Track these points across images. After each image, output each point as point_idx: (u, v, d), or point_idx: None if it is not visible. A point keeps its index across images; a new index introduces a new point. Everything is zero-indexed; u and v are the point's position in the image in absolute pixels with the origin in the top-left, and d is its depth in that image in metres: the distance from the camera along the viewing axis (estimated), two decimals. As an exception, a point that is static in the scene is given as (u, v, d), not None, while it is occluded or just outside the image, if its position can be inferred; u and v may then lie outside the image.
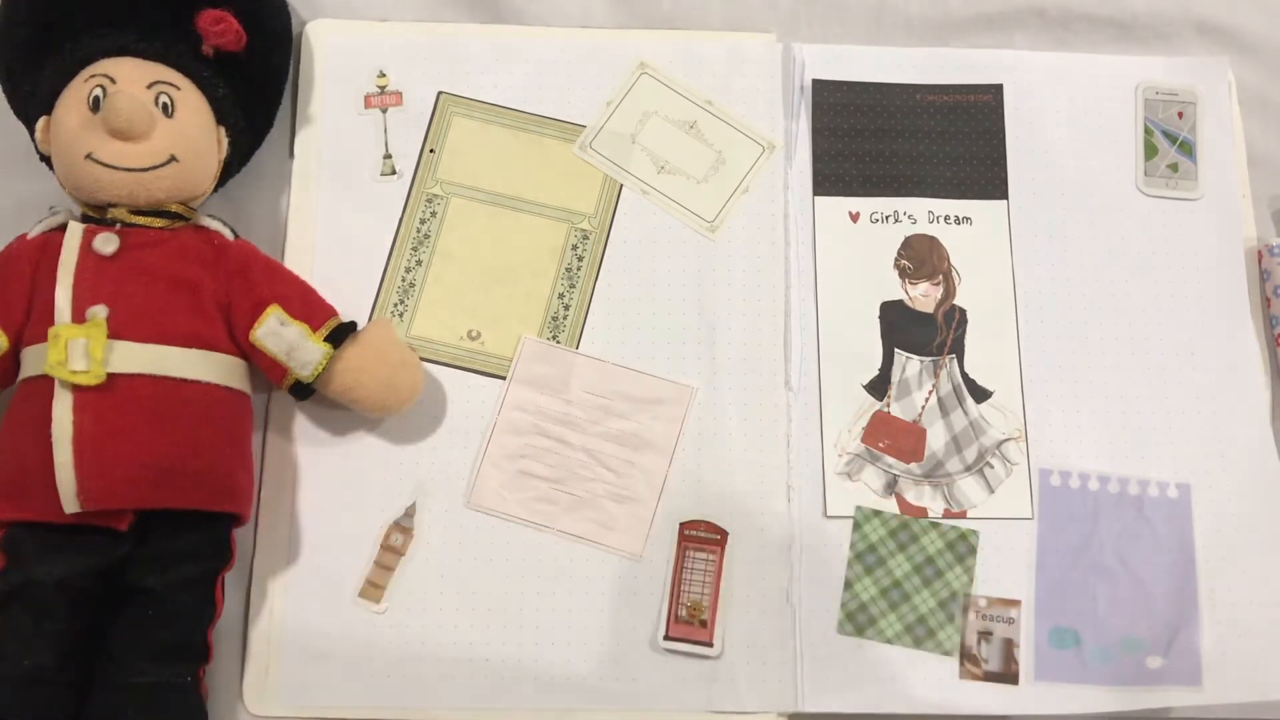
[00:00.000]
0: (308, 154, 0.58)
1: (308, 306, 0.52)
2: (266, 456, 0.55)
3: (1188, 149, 0.61)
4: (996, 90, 0.61)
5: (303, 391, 0.52)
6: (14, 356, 0.49)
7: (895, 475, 0.56)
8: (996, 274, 0.59)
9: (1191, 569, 0.55)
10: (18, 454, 0.47)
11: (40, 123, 0.51)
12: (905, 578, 0.55)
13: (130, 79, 0.50)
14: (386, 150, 0.59)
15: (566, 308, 0.57)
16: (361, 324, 0.54)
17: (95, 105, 0.49)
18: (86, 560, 0.47)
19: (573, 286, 0.57)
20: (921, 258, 0.59)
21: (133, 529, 0.48)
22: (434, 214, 0.58)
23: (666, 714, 0.53)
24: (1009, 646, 0.54)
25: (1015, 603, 0.55)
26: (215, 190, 0.54)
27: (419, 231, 0.58)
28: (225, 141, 0.53)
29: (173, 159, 0.50)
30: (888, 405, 0.57)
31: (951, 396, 0.57)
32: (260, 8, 0.55)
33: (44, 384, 0.47)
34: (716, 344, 0.57)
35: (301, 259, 0.57)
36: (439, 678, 0.53)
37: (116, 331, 0.47)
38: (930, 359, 0.58)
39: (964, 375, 0.57)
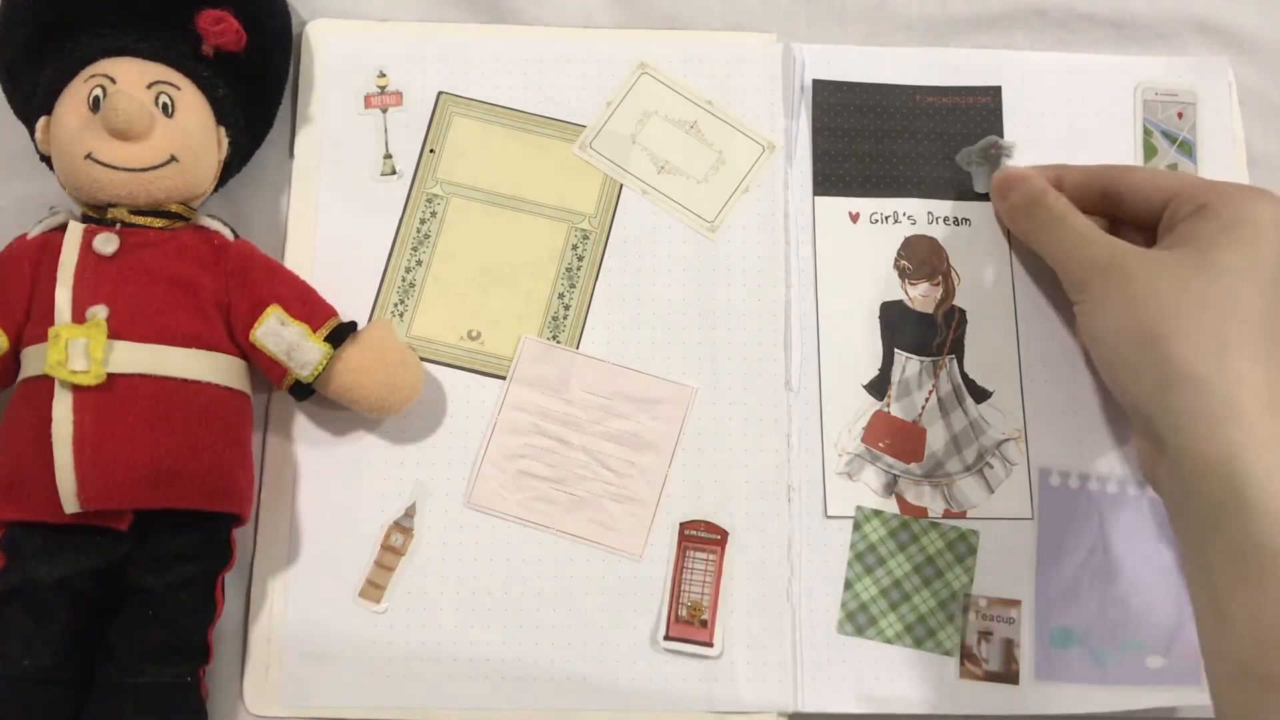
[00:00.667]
0: (308, 154, 0.58)
1: (308, 306, 0.52)
2: (266, 456, 0.55)
3: (1187, 149, 0.61)
4: (995, 93, 0.61)
5: (302, 391, 0.52)
6: (14, 356, 0.49)
7: (895, 475, 0.56)
8: (996, 274, 0.59)
9: (1191, 569, 0.55)
10: (17, 454, 0.47)
11: (40, 123, 0.51)
12: (905, 578, 0.55)
13: (130, 79, 0.50)
14: (386, 150, 0.59)
15: (566, 308, 0.57)
16: (361, 324, 0.54)
17: (95, 105, 0.49)
18: (86, 560, 0.47)
19: (573, 286, 0.58)
20: (921, 258, 0.59)
21: (133, 529, 0.48)
22: (434, 214, 0.58)
23: (666, 714, 0.53)
24: (1009, 646, 0.54)
25: (1015, 603, 0.55)
26: (215, 190, 0.54)
27: (419, 231, 0.58)
28: (225, 141, 0.53)
29: (173, 159, 0.50)
30: (888, 405, 0.57)
31: (951, 397, 0.57)
32: (260, 8, 0.54)
33: (44, 384, 0.47)
34: (716, 344, 0.57)
35: (301, 259, 0.57)
36: (439, 678, 0.53)
37: (116, 331, 0.47)
38: (930, 359, 0.58)
39: (964, 375, 0.57)
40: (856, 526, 0.55)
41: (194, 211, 0.52)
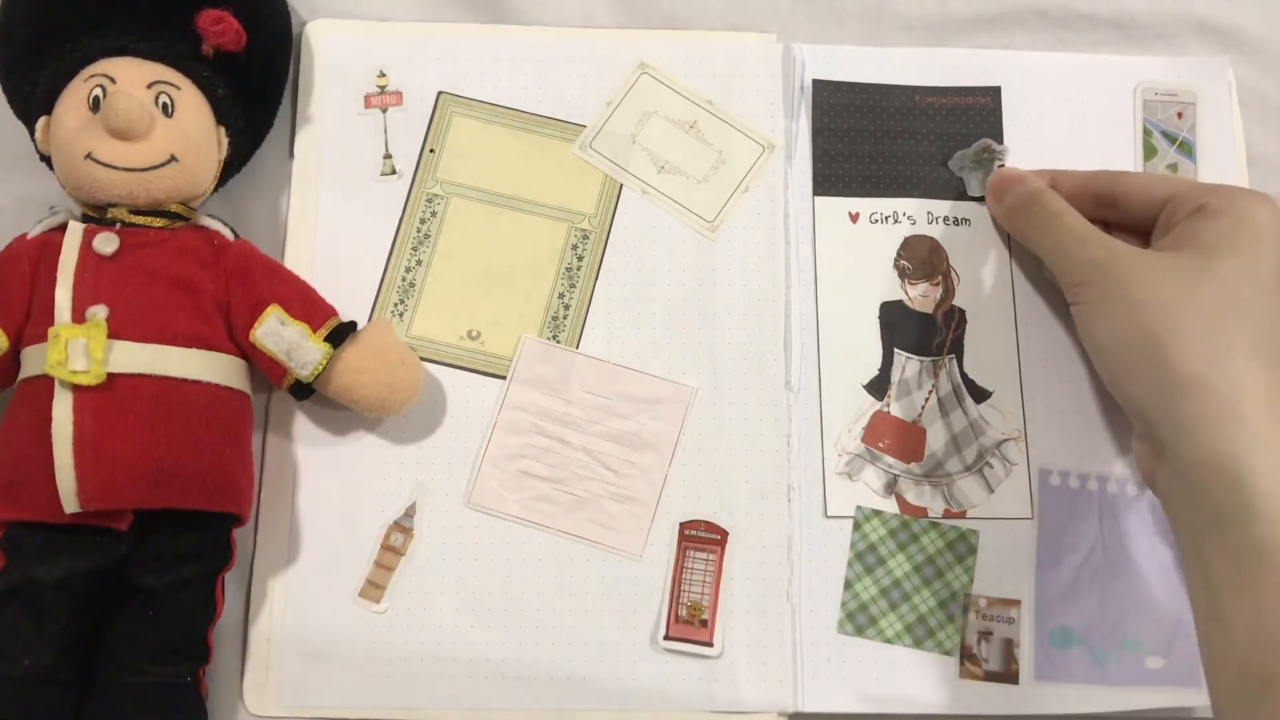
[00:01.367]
0: (308, 154, 0.58)
1: (308, 306, 0.52)
2: (266, 456, 0.55)
3: (1187, 149, 0.61)
4: (995, 93, 0.61)
5: (302, 391, 0.52)
6: (14, 356, 0.49)
7: (895, 475, 0.56)
8: (996, 274, 0.59)
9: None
10: (17, 454, 0.47)
11: (40, 123, 0.51)
12: (905, 578, 0.55)
13: (130, 79, 0.50)
14: (386, 150, 0.59)
15: (566, 308, 0.57)
16: (361, 324, 0.54)
17: (95, 105, 0.49)
18: (86, 560, 0.47)
19: (573, 286, 0.58)
20: (921, 258, 0.59)
21: (132, 529, 0.48)
22: (434, 214, 0.58)
23: (666, 714, 0.53)
24: (1009, 646, 0.54)
25: (1015, 603, 0.55)
26: (215, 190, 0.54)
27: (419, 231, 0.58)
28: (225, 141, 0.53)
29: (173, 159, 0.50)
30: (888, 405, 0.57)
31: (951, 397, 0.57)
32: (260, 8, 0.54)
33: (44, 384, 0.47)
34: (716, 344, 0.57)
35: (301, 259, 0.57)
36: (439, 678, 0.53)
37: (116, 331, 0.47)
38: (930, 359, 0.58)
39: (963, 375, 0.57)
40: (856, 526, 0.55)
41: (194, 211, 0.52)
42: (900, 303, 0.58)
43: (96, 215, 0.50)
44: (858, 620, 0.54)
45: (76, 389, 0.46)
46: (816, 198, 0.59)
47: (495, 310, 0.57)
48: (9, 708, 0.46)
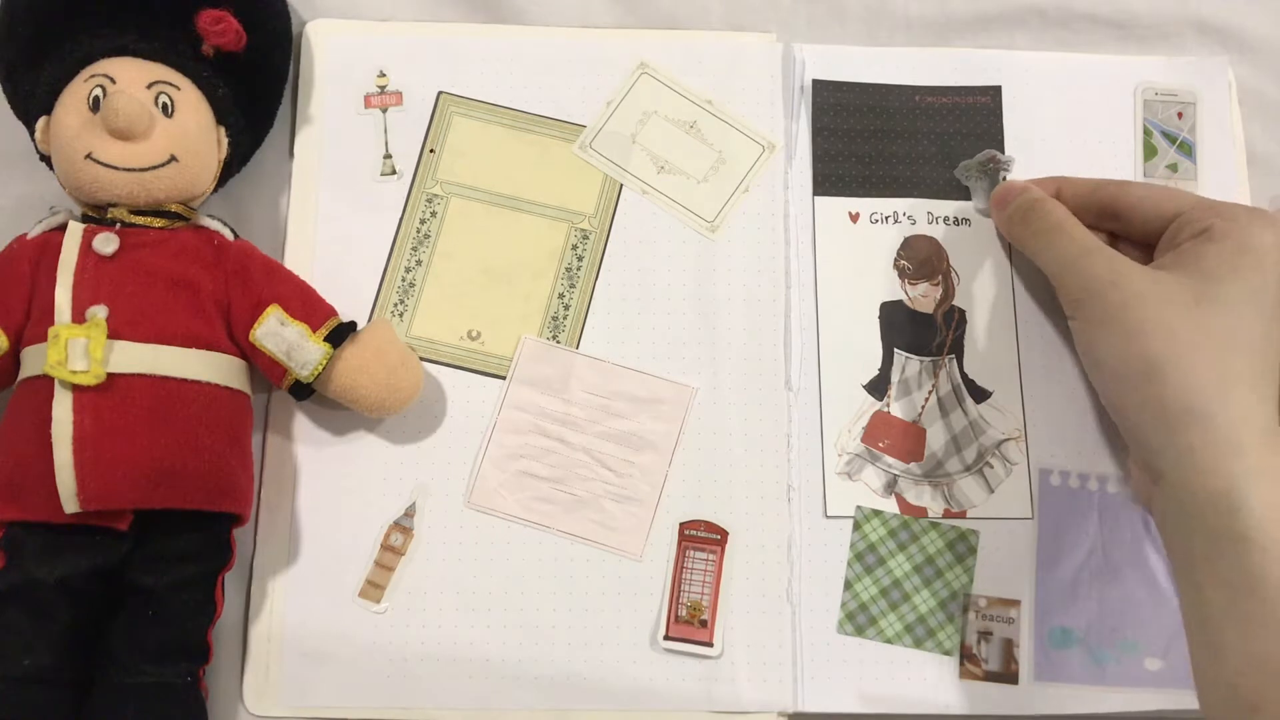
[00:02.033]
0: (308, 154, 0.58)
1: (307, 306, 0.52)
2: (266, 456, 0.55)
3: (1187, 149, 0.61)
4: (995, 92, 0.61)
5: (302, 391, 0.52)
6: (14, 356, 0.49)
7: (895, 475, 0.56)
8: (996, 274, 0.59)
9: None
10: (17, 454, 0.47)
11: (40, 123, 0.51)
12: (905, 577, 0.55)
13: (130, 79, 0.50)
14: (386, 150, 0.59)
15: (566, 308, 0.57)
16: (361, 324, 0.54)
17: (95, 105, 0.49)
18: (86, 560, 0.47)
19: (573, 286, 0.58)
20: (921, 258, 0.59)
21: (132, 529, 0.48)
22: (434, 214, 0.58)
23: (666, 714, 0.53)
24: (1009, 646, 0.54)
25: (1015, 603, 0.55)
26: (215, 190, 0.54)
27: (419, 231, 0.58)
28: (225, 141, 0.53)
29: (173, 159, 0.50)
30: (888, 405, 0.57)
31: (951, 397, 0.57)
32: (260, 8, 0.54)
33: (43, 384, 0.47)
34: (716, 344, 0.57)
35: (301, 259, 0.57)
36: (439, 678, 0.53)
37: (116, 331, 0.47)
38: (930, 359, 0.58)
39: (963, 375, 0.57)
40: (856, 526, 0.55)
41: (194, 211, 0.52)
42: (900, 303, 0.58)
43: (96, 215, 0.50)
44: (858, 620, 0.54)
45: (76, 389, 0.46)
46: (816, 198, 0.59)
47: (495, 310, 0.57)
48: (9, 708, 0.46)
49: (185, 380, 0.48)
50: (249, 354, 0.51)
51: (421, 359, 0.55)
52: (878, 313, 0.58)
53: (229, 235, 0.52)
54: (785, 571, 0.55)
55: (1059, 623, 0.55)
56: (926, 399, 0.57)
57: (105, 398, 0.46)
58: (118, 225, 0.50)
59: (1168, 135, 0.61)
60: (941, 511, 0.56)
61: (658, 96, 0.60)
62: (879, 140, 0.60)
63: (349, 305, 0.54)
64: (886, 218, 0.59)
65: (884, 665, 0.54)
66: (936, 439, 0.57)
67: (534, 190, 0.59)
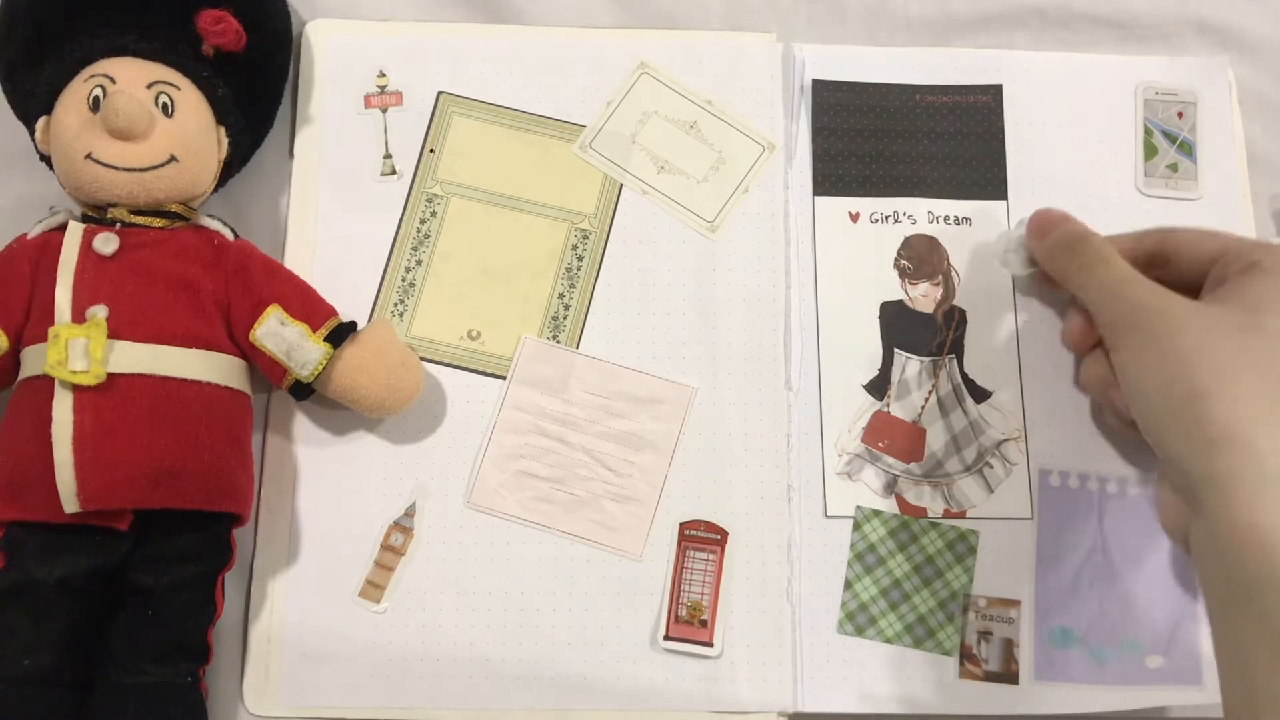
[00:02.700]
0: (308, 154, 0.58)
1: (307, 306, 0.52)
2: (266, 456, 0.55)
3: (1187, 149, 0.61)
4: (996, 91, 0.61)
5: (302, 391, 0.52)
6: (14, 356, 0.49)
7: (895, 475, 0.56)
8: (996, 274, 0.59)
9: (1191, 568, 0.55)
10: (17, 454, 0.47)
11: (40, 123, 0.51)
12: (905, 578, 0.55)
13: (130, 79, 0.50)
14: (386, 150, 0.59)
15: (566, 308, 0.57)
16: (361, 324, 0.54)
17: (95, 105, 0.49)
18: (86, 560, 0.47)
19: (573, 286, 0.58)
20: (921, 258, 0.59)
21: (132, 529, 0.48)
22: (434, 214, 0.58)
23: (666, 714, 0.53)
24: (1009, 646, 0.54)
25: (1015, 603, 0.55)
26: (215, 190, 0.54)
27: (419, 231, 0.58)
28: (225, 141, 0.53)
29: (173, 159, 0.50)
30: (888, 405, 0.57)
31: (951, 396, 0.57)
32: (260, 8, 0.55)
33: (43, 384, 0.47)
34: (716, 344, 0.57)
35: (301, 259, 0.57)
36: (439, 678, 0.53)
37: (116, 331, 0.47)
38: (930, 359, 0.58)
39: (963, 375, 0.57)
40: (856, 526, 0.55)
41: (194, 211, 0.52)
42: (900, 302, 0.58)
43: (96, 215, 0.50)
44: (858, 620, 0.54)
45: (76, 389, 0.46)
46: (816, 198, 0.59)
47: (495, 310, 0.57)
48: (9, 708, 0.46)
49: (185, 380, 0.48)
50: (249, 354, 0.51)
51: (421, 359, 0.55)
52: (878, 312, 0.58)
53: (229, 235, 0.52)
54: (785, 571, 0.55)
55: (1059, 622, 0.54)
56: (926, 399, 0.57)
57: (105, 398, 0.46)
58: (118, 225, 0.50)
59: (1168, 135, 0.61)
60: (941, 511, 0.56)
61: (658, 96, 0.60)
62: (879, 140, 0.60)
63: (349, 305, 0.54)
64: (886, 217, 0.59)
65: (884, 665, 0.54)
66: (936, 439, 0.57)
67: (534, 190, 0.59)
